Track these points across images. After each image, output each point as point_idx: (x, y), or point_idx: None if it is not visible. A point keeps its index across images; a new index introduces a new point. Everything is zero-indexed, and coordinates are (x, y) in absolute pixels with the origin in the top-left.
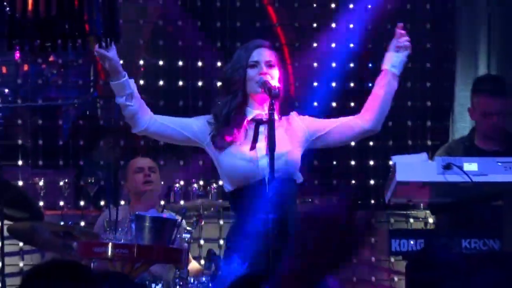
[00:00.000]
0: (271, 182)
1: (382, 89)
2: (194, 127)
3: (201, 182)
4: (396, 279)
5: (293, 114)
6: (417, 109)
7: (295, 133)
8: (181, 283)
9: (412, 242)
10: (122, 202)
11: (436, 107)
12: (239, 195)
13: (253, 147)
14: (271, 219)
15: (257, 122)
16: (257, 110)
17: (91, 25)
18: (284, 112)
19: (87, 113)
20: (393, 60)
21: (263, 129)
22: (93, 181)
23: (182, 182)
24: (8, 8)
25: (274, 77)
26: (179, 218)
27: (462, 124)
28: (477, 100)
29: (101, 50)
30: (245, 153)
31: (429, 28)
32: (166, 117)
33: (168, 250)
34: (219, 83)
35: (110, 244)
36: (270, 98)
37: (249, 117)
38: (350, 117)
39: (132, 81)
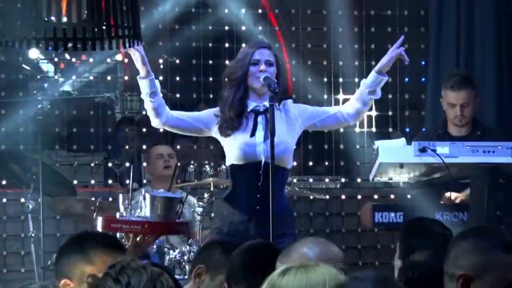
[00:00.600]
0: (267, 165)
1: (363, 95)
2: (204, 119)
3: (212, 164)
4: (379, 246)
5: (289, 103)
6: (397, 100)
7: (292, 123)
8: (193, 250)
9: (392, 215)
10: (144, 181)
11: (413, 99)
12: (238, 169)
13: (252, 134)
14: (260, 200)
15: (256, 113)
16: (256, 103)
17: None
18: (280, 104)
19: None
20: (372, 81)
21: (261, 119)
22: (119, 163)
23: (196, 164)
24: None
25: (272, 74)
26: (184, 195)
27: (434, 113)
28: (444, 93)
29: (130, 51)
30: (246, 139)
31: (407, 31)
32: (181, 112)
33: (175, 224)
34: (225, 77)
35: (124, 220)
36: (270, 92)
37: (249, 109)
38: (338, 109)
39: (157, 82)
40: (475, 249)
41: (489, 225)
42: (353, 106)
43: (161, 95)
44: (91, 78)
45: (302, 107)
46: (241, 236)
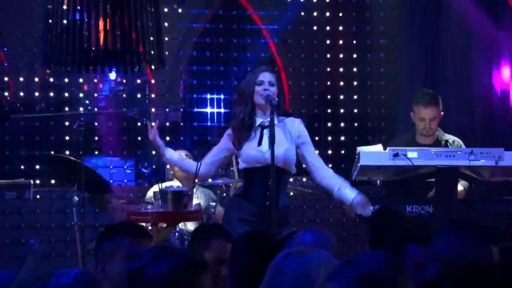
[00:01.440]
0: (272, 168)
1: (336, 191)
2: (225, 147)
3: (224, 166)
4: (360, 233)
5: (297, 121)
6: (375, 114)
7: (292, 136)
8: None
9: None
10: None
11: (388, 113)
12: (252, 171)
13: (259, 144)
14: (269, 195)
15: (262, 127)
16: (261, 118)
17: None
18: (281, 116)
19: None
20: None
21: (266, 131)
22: (147, 165)
23: None
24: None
25: (274, 93)
26: (195, 190)
27: (404, 125)
28: (415, 109)
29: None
30: (255, 147)
31: (383, 57)
32: (208, 156)
33: (182, 213)
34: (237, 96)
35: (139, 212)
36: (271, 107)
37: (257, 124)
38: (315, 167)
39: (171, 152)
40: (456, 238)
41: (470, 219)
42: (325, 180)
43: (186, 158)
44: (124, 95)
45: (304, 134)
46: (249, 226)
